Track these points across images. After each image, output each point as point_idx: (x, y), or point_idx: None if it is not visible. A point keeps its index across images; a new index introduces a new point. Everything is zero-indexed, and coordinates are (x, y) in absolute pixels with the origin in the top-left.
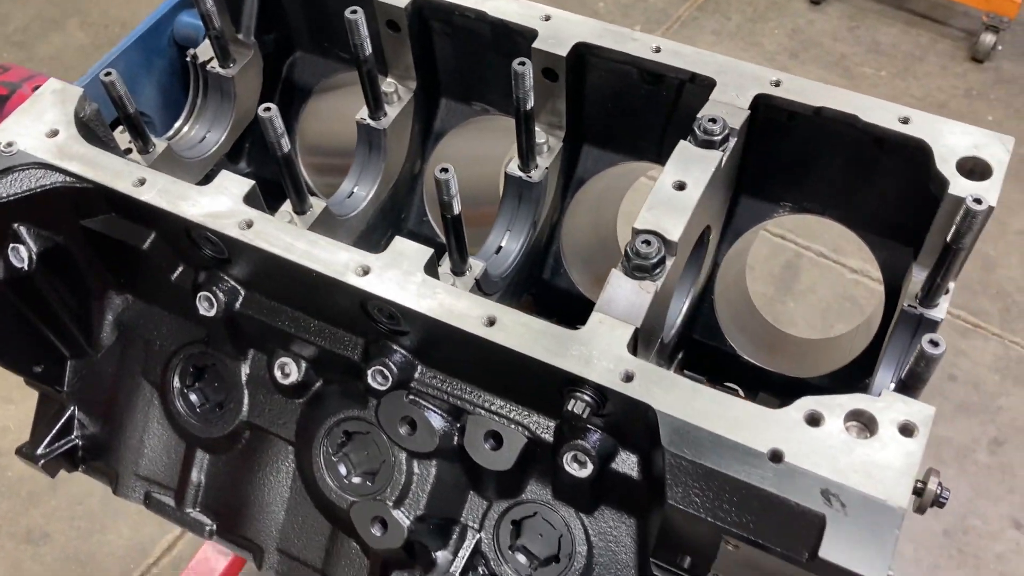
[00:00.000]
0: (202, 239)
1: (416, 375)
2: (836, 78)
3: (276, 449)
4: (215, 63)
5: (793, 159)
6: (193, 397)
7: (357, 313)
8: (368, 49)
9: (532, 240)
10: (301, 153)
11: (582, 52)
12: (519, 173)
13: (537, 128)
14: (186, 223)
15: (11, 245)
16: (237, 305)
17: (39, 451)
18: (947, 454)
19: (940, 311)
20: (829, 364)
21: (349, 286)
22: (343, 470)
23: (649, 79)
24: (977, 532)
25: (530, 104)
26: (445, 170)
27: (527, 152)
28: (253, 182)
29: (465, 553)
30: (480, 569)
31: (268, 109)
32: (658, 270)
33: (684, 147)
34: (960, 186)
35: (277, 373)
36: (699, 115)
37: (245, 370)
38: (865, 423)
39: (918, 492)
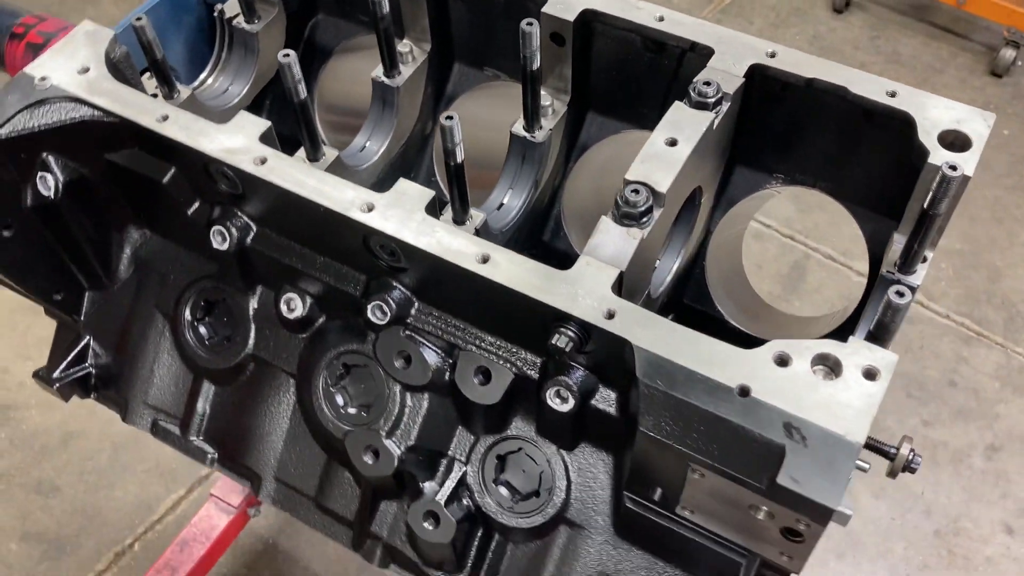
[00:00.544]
0: (218, 174)
1: (413, 311)
2: None
3: (279, 382)
4: (241, 19)
5: (786, 130)
6: (202, 330)
7: (360, 249)
8: (385, 8)
9: (533, 199)
10: (319, 111)
11: (589, 19)
12: (523, 133)
13: (544, 92)
14: (204, 157)
15: (39, 174)
16: (248, 240)
17: (55, 375)
18: (943, 457)
19: (917, 277)
20: (813, 334)
21: (354, 221)
22: (340, 401)
23: (652, 47)
24: (968, 535)
25: (536, 64)
26: (450, 118)
27: (532, 112)
28: (269, 123)
29: (451, 484)
30: (464, 500)
31: (287, 55)
32: (645, 219)
33: (678, 107)
34: (940, 156)
35: (283, 308)
36: (695, 79)
37: (253, 305)
38: (831, 366)
39: (890, 456)
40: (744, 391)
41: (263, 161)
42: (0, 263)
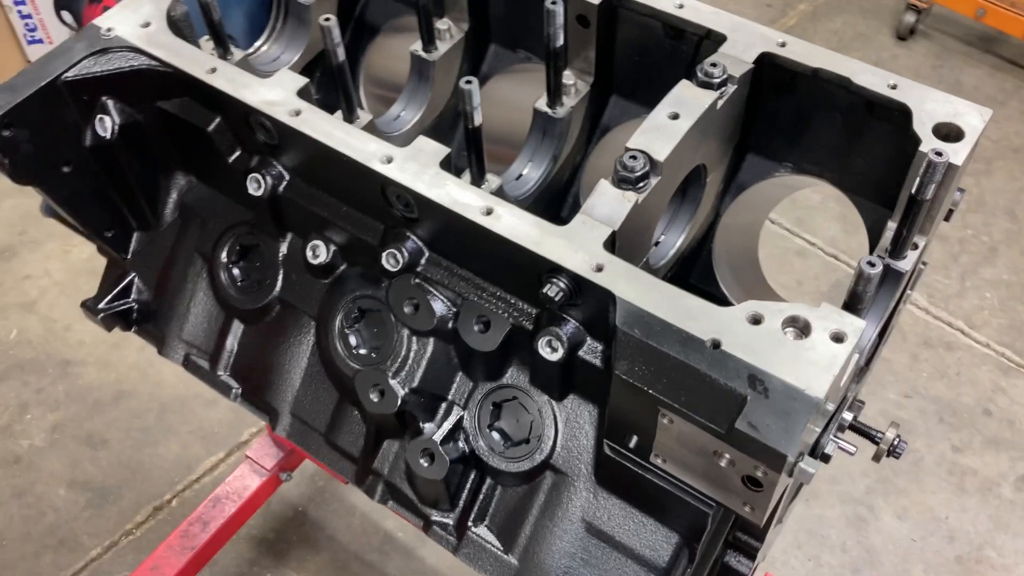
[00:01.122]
0: (257, 124)
1: (423, 261)
2: None
3: (301, 323)
4: None
5: (794, 119)
6: (236, 272)
7: (379, 199)
8: None
9: (552, 174)
10: (365, 83)
11: (613, 3)
12: (545, 108)
13: (568, 72)
14: (245, 107)
15: (98, 116)
16: (281, 188)
17: (100, 307)
18: (971, 484)
19: (906, 263)
20: None
21: (373, 171)
22: (354, 341)
23: (672, 34)
24: (991, 563)
25: (559, 42)
26: (469, 81)
27: (554, 89)
28: (307, 79)
29: (448, 426)
30: (460, 442)
31: (328, 19)
32: (642, 184)
33: (684, 85)
34: (931, 145)
35: (308, 254)
36: (704, 61)
37: (283, 250)
38: (800, 328)
39: (875, 440)
40: (716, 344)
41: (297, 113)
42: (60, 197)
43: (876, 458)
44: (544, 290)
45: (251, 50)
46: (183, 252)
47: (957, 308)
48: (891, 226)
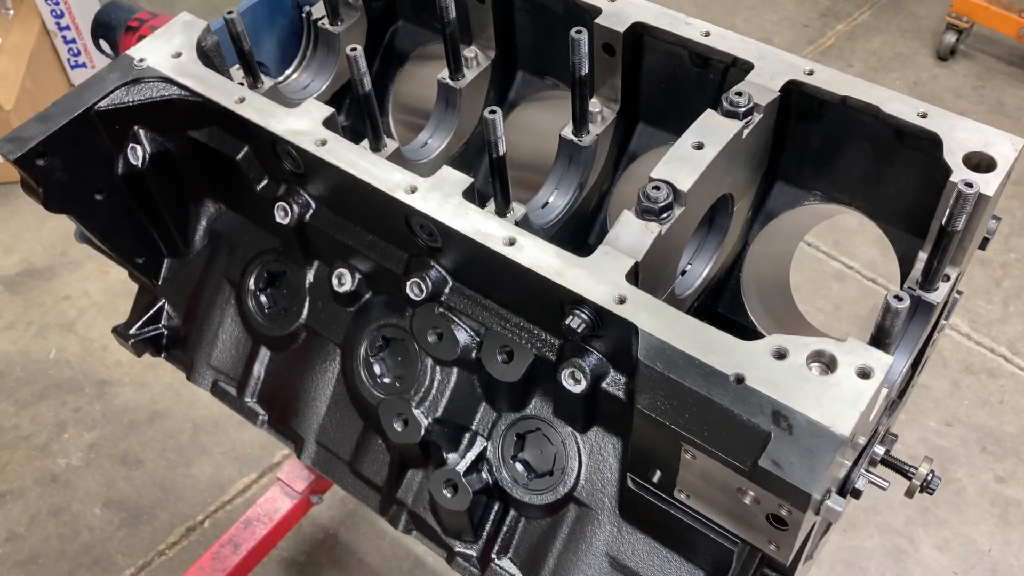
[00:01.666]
0: (284, 153)
1: (447, 290)
2: None
3: (326, 351)
4: (325, 20)
5: (823, 147)
6: (263, 299)
7: (403, 229)
8: (452, 13)
9: (578, 201)
10: (393, 110)
11: (639, 31)
12: (571, 136)
13: (595, 99)
14: (272, 136)
15: (130, 145)
16: (308, 217)
17: (131, 332)
18: (1015, 516)
19: (938, 295)
20: None
21: (397, 201)
22: (378, 370)
23: (698, 62)
24: None
25: (584, 71)
26: (493, 111)
27: (580, 117)
28: (333, 109)
29: (471, 456)
30: (483, 473)
31: (354, 49)
32: (665, 215)
33: (709, 114)
34: (962, 175)
35: (334, 282)
36: (729, 90)
37: (309, 278)
38: (826, 363)
39: (908, 475)
40: (739, 379)
41: (323, 142)
42: (93, 225)
43: (909, 494)
44: (567, 321)
45: (281, 78)
46: (212, 279)
47: (1000, 334)
48: (922, 256)
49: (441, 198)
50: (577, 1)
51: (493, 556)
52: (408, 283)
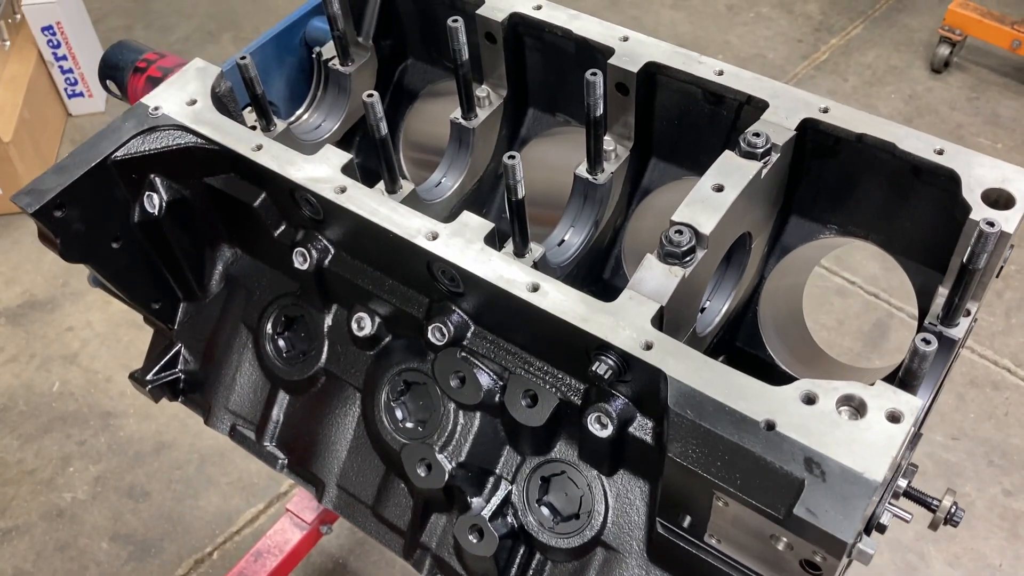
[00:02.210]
0: (302, 200)
1: (469, 334)
2: None
3: (346, 395)
4: (336, 61)
5: (839, 183)
6: (281, 343)
7: (424, 274)
8: (465, 55)
9: (594, 238)
10: (404, 148)
11: (652, 71)
12: (586, 175)
13: (608, 137)
14: (291, 184)
15: (146, 193)
16: (327, 262)
17: (148, 378)
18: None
19: (959, 330)
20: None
21: (419, 247)
22: (400, 415)
23: (711, 99)
24: None
25: (599, 111)
26: (512, 156)
27: (595, 156)
28: (351, 155)
29: (496, 501)
30: (508, 517)
31: (371, 95)
32: (688, 258)
33: (727, 156)
34: (982, 213)
35: (354, 326)
36: (746, 130)
37: (328, 322)
38: (856, 407)
39: (931, 508)
40: (770, 425)
41: (343, 190)
42: (109, 272)
43: (933, 526)
44: (593, 368)
45: (293, 119)
46: (229, 323)
47: (1003, 346)
48: (942, 292)
49: (463, 244)
50: (589, 40)
51: None
52: (429, 328)
